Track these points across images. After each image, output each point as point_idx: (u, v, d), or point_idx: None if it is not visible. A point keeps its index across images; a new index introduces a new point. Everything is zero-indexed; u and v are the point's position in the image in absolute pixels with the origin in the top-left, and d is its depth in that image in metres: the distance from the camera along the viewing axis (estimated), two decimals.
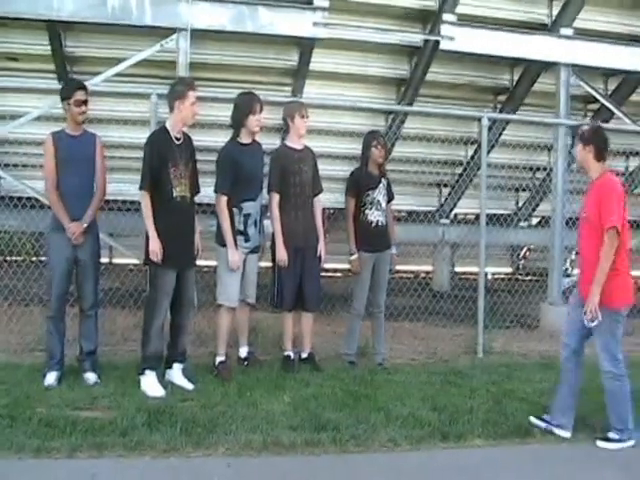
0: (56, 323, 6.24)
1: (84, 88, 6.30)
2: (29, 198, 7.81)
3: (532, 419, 5.71)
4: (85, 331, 6.36)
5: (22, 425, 5.07)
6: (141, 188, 6.11)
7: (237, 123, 6.70)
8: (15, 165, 8.68)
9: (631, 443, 5.47)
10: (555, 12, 9.61)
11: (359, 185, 7.22)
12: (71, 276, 6.26)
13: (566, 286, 9.78)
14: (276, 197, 6.79)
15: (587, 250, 5.58)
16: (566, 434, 5.59)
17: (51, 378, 6.10)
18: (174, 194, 6.08)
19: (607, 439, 5.50)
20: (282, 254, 6.72)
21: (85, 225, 6.14)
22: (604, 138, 5.73)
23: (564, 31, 9.39)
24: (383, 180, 7.33)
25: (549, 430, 5.61)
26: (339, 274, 11.92)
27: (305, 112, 6.96)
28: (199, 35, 8.25)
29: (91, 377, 6.23)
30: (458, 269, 12.92)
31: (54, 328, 6.23)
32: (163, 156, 6.08)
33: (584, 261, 5.66)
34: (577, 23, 9.47)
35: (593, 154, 5.61)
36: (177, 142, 6.19)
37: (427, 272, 12.84)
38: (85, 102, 6.22)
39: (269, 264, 7.00)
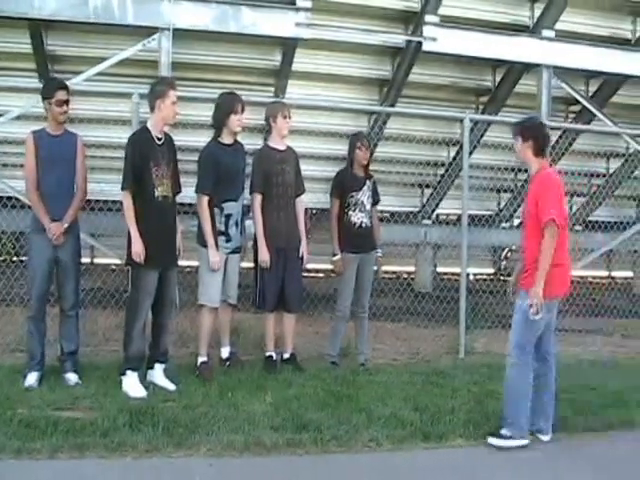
0: (36, 323, 6.19)
1: (65, 88, 6.25)
2: (9, 197, 7.76)
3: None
4: (66, 331, 6.32)
5: (2, 426, 5.03)
6: (123, 188, 6.08)
7: (218, 123, 6.68)
8: None
9: (522, 442, 5.38)
10: (537, 14, 9.67)
11: (343, 186, 7.23)
12: (52, 276, 6.22)
13: None
14: (258, 198, 6.78)
15: (529, 246, 5.54)
16: (545, 437, 5.58)
17: (32, 379, 6.06)
18: (156, 194, 6.06)
19: (498, 435, 5.44)
20: (264, 255, 6.71)
21: (66, 225, 6.11)
22: (544, 133, 5.71)
23: (546, 33, 9.45)
24: (368, 182, 7.33)
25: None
26: (321, 275, 11.90)
27: (287, 112, 6.94)
28: (181, 35, 8.24)
29: (72, 378, 6.19)
30: (440, 269, 12.95)
31: (35, 328, 6.18)
32: (145, 156, 6.06)
33: (526, 257, 5.61)
34: (559, 25, 9.54)
35: (532, 149, 5.58)
36: (158, 142, 6.16)
37: (409, 272, 12.85)
38: (66, 102, 6.18)
39: (251, 264, 6.99)
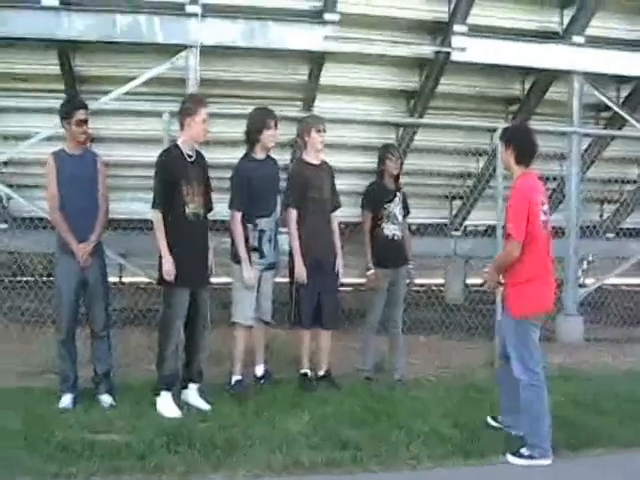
0: (67, 346, 6.15)
1: (85, 107, 6.20)
2: (40, 219, 7.78)
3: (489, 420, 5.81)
4: (98, 353, 6.27)
5: (39, 449, 4.99)
6: (153, 207, 6.04)
7: (251, 139, 6.62)
8: (26, 186, 8.64)
9: (544, 462, 5.19)
10: (566, 20, 9.53)
11: (375, 199, 7.18)
12: (80, 298, 6.17)
13: (582, 297, 9.68)
14: (294, 213, 6.71)
15: None
16: (519, 432, 5.45)
17: (66, 400, 6.02)
18: (187, 212, 6.01)
19: (519, 454, 5.27)
20: (301, 271, 6.64)
21: (92, 245, 6.06)
22: (528, 139, 5.49)
23: (576, 39, 9.33)
24: (399, 194, 7.28)
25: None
26: (350, 288, 11.81)
27: (322, 127, 6.86)
28: (209, 51, 8.23)
29: (107, 400, 6.14)
30: (470, 281, 12.81)
31: (66, 351, 6.15)
32: (175, 174, 6.01)
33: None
34: (589, 31, 9.39)
35: (513, 156, 5.42)
36: (189, 159, 6.12)
37: (438, 285, 12.71)
38: (86, 121, 6.13)
39: (284, 280, 6.93)
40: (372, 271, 7.06)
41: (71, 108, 6.17)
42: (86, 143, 6.26)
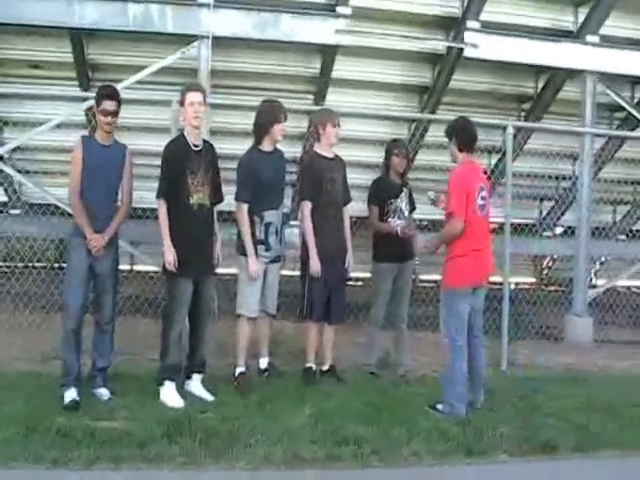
0: (74, 335, 5.98)
1: (112, 97, 5.98)
2: (49, 205, 7.78)
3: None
4: (99, 346, 6.15)
5: (40, 435, 4.99)
6: (157, 196, 6.05)
7: (260, 131, 6.58)
8: (36, 172, 8.67)
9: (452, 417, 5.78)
10: (581, 19, 9.50)
11: (381, 193, 7.16)
12: (89, 286, 6.06)
13: (592, 297, 9.64)
14: (309, 205, 6.67)
15: None
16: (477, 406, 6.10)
17: (71, 394, 5.82)
18: (191, 202, 5.99)
19: (434, 407, 5.98)
20: (315, 264, 6.59)
21: (107, 238, 5.98)
22: (464, 129, 6.10)
23: (590, 38, 9.30)
24: (405, 189, 7.26)
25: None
26: (359, 283, 11.78)
27: (337, 121, 6.82)
28: (221, 42, 8.23)
29: (104, 393, 6.04)
30: None
31: (72, 340, 5.97)
32: (180, 164, 6.00)
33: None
34: (603, 30, 9.35)
35: (456, 145, 6.01)
36: (195, 149, 6.10)
37: None
38: (111, 113, 5.94)
39: (290, 273, 6.91)
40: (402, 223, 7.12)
41: (100, 97, 6.01)
42: (112, 134, 6.10)
